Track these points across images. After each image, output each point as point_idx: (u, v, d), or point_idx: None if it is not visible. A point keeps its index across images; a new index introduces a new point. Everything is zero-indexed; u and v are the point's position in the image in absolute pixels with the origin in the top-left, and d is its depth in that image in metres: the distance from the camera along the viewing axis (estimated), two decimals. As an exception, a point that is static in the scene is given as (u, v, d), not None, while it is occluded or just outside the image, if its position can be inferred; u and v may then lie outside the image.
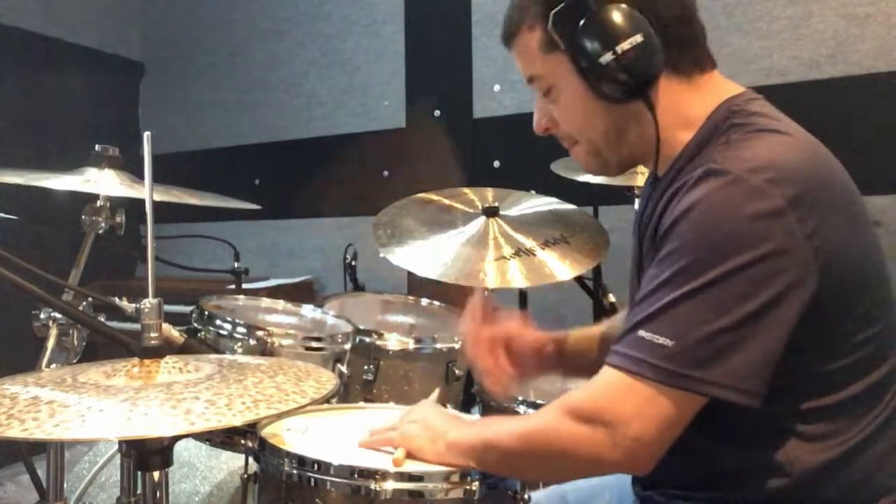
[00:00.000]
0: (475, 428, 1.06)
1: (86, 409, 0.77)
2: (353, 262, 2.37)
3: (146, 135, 0.92)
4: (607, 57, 0.98)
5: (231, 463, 1.69)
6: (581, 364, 1.34)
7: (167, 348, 0.95)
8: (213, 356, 1.08)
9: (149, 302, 0.93)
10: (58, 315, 1.30)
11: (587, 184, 2.17)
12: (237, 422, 0.76)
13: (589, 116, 1.06)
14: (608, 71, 0.98)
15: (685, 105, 1.03)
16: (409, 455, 1.05)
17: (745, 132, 0.95)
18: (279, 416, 1.17)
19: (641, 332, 0.89)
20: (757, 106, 1.01)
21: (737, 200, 0.87)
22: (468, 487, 1.00)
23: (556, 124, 1.12)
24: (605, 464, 0.92)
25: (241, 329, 1.46)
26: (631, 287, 1.15)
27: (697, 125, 1.02)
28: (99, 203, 1.45)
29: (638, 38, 0.97)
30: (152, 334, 0.93)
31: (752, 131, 0.95)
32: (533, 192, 2.17)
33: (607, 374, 0.92)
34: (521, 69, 1.11)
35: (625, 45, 0.97)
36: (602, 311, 2.23)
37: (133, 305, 1.08)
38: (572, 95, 1.05)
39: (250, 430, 1.30)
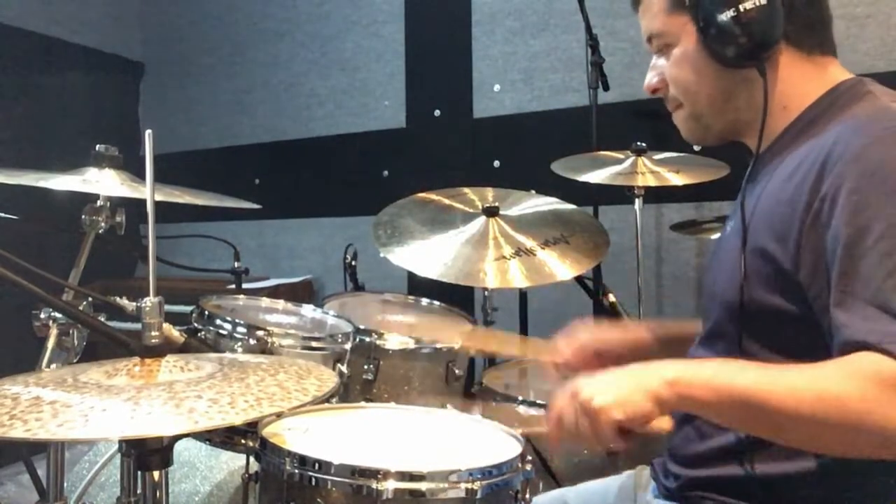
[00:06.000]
0: (717, 368, 0.90)
1: (88, 408, 0.77)
2: (353, 262, 2.37)
3: (147, 133, 0.91)
4: (728, 14, 1.00)
5: (231, 463, 1.69)
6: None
7: (168, 347, 0.95)
8: (214, 355, 1.07)
9: (150, 300, 0.92)
10: (58, 315, 1.29)
11: (587, 184, 2.17)
12: (241, 419, 0.76)
13: (699, 77, 1.08)
14: (727, 30, 1.00)
15: (800, 81, 1.05)
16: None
17: (871, 100, 0.98)
18: (281, 416, 1.17)
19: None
20: (877, 87, 1.02)
21: None
22: (469, 487, 0.99)
23: (665, 85, 1.14)
24: None
25: (241, 329, 1.45)
26: (711, 275, 1.14)
27: (807, 103, 1.03)
28: (99, 203, 1.44)
29: (762, 0, 0.99)
30: (153, 333, 0.92)
31: (880, 104, 0.97)
32: (533, 191, 2.17)
33: None
34: (643, 28, 1.14)
35: (747, 5, 0.99)
36: (602, 310, 2.23)
37: (134, 304, 1.08)
38: (686, 54, 1.08)
39: (251, 429, 1.30)
